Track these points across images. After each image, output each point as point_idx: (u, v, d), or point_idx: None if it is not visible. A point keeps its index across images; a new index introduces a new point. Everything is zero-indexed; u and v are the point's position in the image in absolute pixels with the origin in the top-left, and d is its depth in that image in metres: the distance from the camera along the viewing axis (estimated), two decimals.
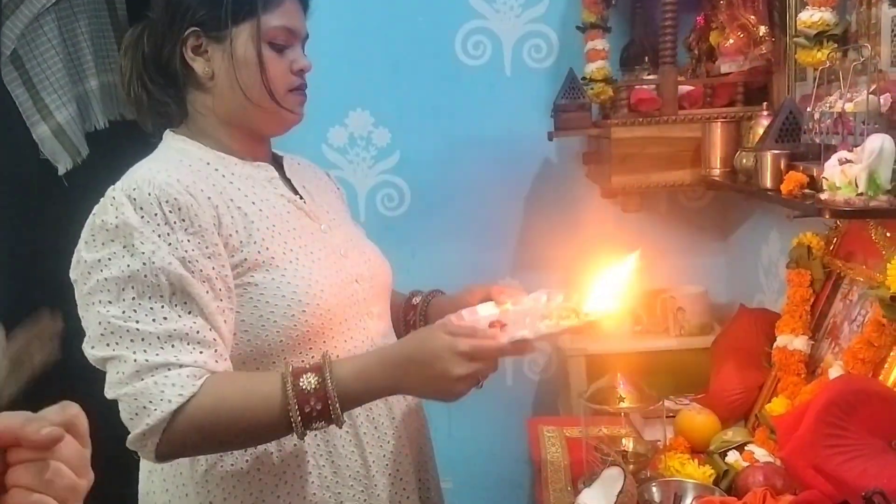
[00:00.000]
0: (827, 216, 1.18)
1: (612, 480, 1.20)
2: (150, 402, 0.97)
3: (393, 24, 2.11)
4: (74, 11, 2.06)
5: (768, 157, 1.37)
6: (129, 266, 0.99)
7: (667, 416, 1.46)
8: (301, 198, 1.21)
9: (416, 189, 2.19)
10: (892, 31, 1.17)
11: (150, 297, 0.99)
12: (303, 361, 1.10)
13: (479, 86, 2.12)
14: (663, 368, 1.84)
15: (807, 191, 1.24)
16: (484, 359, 1.02)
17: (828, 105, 1.21)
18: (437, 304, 1.37)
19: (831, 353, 1.35)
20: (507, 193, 2.17)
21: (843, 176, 1.09)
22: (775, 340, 1.44)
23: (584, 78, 1.88)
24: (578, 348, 1.88)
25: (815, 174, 1.22)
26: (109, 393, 1.00)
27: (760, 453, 1.31)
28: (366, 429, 1.17)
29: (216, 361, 1.02)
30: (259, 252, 1.08)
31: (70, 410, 0.57)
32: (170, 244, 1.01)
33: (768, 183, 1.37)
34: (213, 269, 1.03)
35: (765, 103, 1.55)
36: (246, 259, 1.07)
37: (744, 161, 1.51)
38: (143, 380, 0.97)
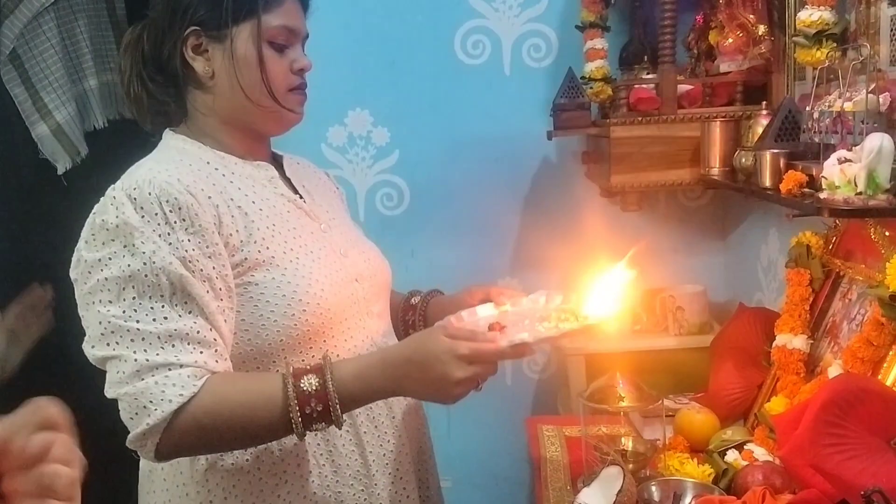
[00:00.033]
0: (826, 215, 1.18)
1: (611, 479, 1.20)
2: (151, 401, 0.97)
3: (392, 23, 2.11)
4: (73, 11, 2.06)
5: (767, 156, 1.37)
6: (129, 266, 0.99)
7: (666, 416, 1.46)
8: (301, 197, 1.21)
9: (415, 188, 2.19)
10: (891, 30, 1.17)
11: (150, 297, 0.99)
12: (303, 361, 1.10)
13: (479, 85, 2.12)
14: (662, 367, 1.84)
15: (806, 190, 1.24)
16: (483, 362, 1.03)
17: (827, 104, 1.21)
18: (435, 304, 1.38)
19: (830, 352, 1.35)
20: (507, 193, 2.18)
21: (842, 175, 1.09)
22: (774, 339, 1.44)
23: (583, 77, 1.88)
24: (578, 347, 1.88)
25: (814, 173, 1.22)
26: (110, 392, 1.00)
27: (760, 452, 1.31)
28: (366, 428, 1.17)
29: (216, 361, 1.02)
30: (259, 251, 1.08)
31: (47, 410, 0.57)
32: (170, 244, 1.01)
33: (767, 182, 1.37)
34: (214, 268, 1.03)
35: (764, 102, 1.55)
36: (246, 258, 1.07)
37: (743, 160, 1.51)
38: (143, 379, 0.97)
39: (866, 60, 1.15)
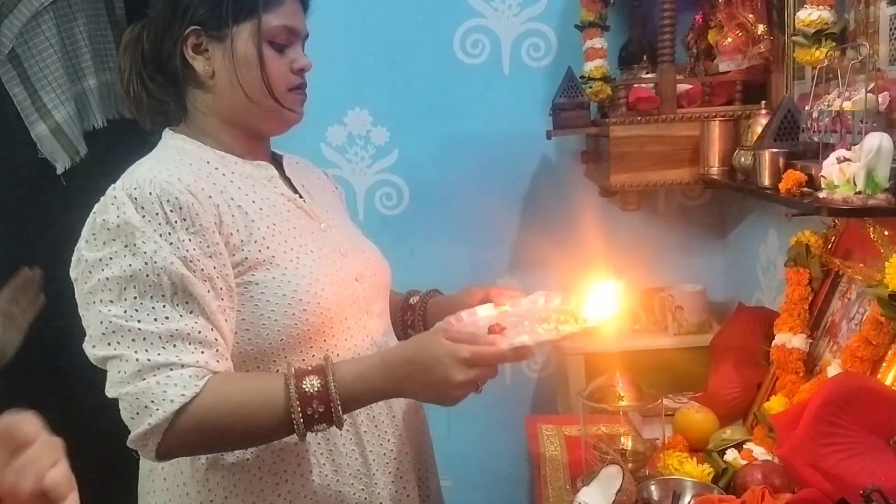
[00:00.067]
0: (825, 215, 1.18)
1: (610, 479, 1.20)
2: (153, 401, 0.97)
3: (391, 22, 2.11)
4: (73, 10, 2.06)
5: (766, 155, 1.37)
6: (130, 265, 0.99)
7: (665, 415, 1.46)
8: (300, 197, 1.21)
9: (414, 188, 2.19)
10: (891, 29, 1.17)
11: (151, 297, 0.99)
12: (303, 360, 1.10)
13: (478, 84, 2.12)
14: (662, 367, 1.84)
15: (805, 189, 1.24)
16: (484, 365, 1.03)
17: (826, 103, 1.21)
18: (434, 304, 1.38)
19: (829, 352, 1.35)
20: (506, 192, 2.18)
21: (841, 174, 1.09)
22: (774, 339, 1.44)
23: (582, 77, 1.88)
24: (577, 347, 1.88)
25: (813, 173, 1.22)
26: (110, 392, 1.00)
27: (759, 451, 1.31)
28: (366, 427, 1.17)
29: (217, 361, 1.02)
30: (260, 251, 1.08)
31: (16, 428, 0.58)
32: (171, 244, 1.01)
33: (767, 181, 1.37)
34: (215, 268, 1.03)
35: (763, 102, 1.55)
36: (247, 258, 1.07)
37: (742, 159, 1.51)
38: (144, 379, 0.97)
39: (865, 60, 1.15)
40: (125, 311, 0.99)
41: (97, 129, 2.14)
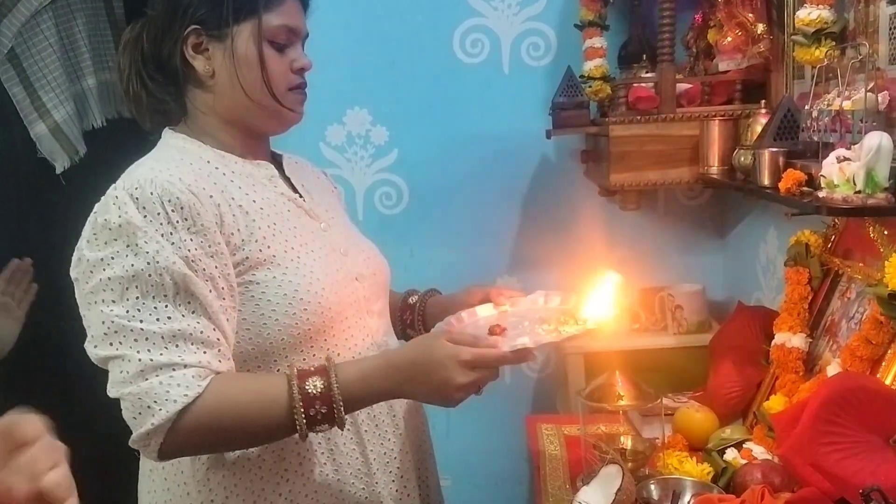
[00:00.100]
0: (825, 214, 1.18)
1: (610, 478, 1.20)
2: (155, 401, 0.97)
3: (391, 22, 2.11)
4: (72, 10, 2.06)
5: (766, 154, 1.37)
6: (133, 265, 0.99)
7: (665, 414, 1.46)
8: (300, 196, 1.21)
9: (414, 187, 2.19)
10: (890, 28, 1.17)
11: (153, 297, 0.99)
12: (304, 360, 1.10)
13: (477, 84, 2.12)
14: (661, 366, 1.84)
15: (805, 189, 1.24)
16: (485, 367, 1.04)
17: (826, 103, 1.21)
18: (433, 303, 1.38)
19: (829, 351, 1.35)
20: (505, 191, 2.18)
21: (841, 174, 1.09)
22: (773, 338, 1.44)
23: (582, 76, 1.88)
24: (577, 346, 1.88)
25: (813, 172, 1.22)
26: (112, 392, 1.00)
27: (758, 451, 1.32)
28: (367, 427, 1.17)
29: (220, 361, 1.02)
30: (260, 250, 1.08)
31: (16, 430, 0.58)
32: (173, 243, 1.00)
33: (766, 181, 1.37)
34: (216, 267, 1.03)
35: (763, 101, 1.55)
36: (247, 257, 1.07)
37: (742, 159, 1.51)
38: (147, 379, 0.97)
39: (865, 59, 1.15)
40: (127, 311, 0.99)
41: (96, 129, 2.13)
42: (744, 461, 1.30)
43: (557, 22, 2.09)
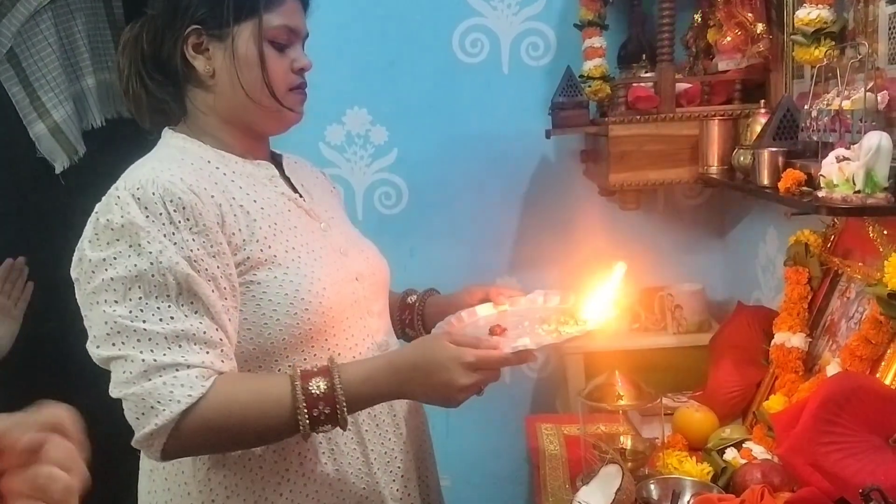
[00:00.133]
0: (824, 214, 1.18)
1: (610, 478, 1.21)
2: (159, 402, 0.97)
3: (390, 21, 2.11)
4: (71, 10, 2.06)
5: (766, 154, 1.37)
6: (136, 265, 0.99)
7: (665, 414, 1.46)
8: (300, 196, 1.21)
9: (413, 187, 2.19)
10: (890, 28, 1.17)
11: (157, 297, 0.99)
12: (305, 360, 1.10)
13: (477, 84, 2.12)
14: (661, 366, 1.84)
15: (804, 188, 1.24)
16: (488, 369, 1.04)
17: (825, 102, 1.21)
18: (432, 303, 1.38)
19: (829, 351, 1.35)
20: (505, 191, 2.18)
21: (840, 173, 1.09)
22: (773, 338, 1.44)
23: (581, 76, 1.88)
24: (576, 346, 1.88)
25: (812, 172, 1.22)
26: (115, 392, 1.00)
27: (758, 450, 1.32)
28: (368, 426, 1.17)
29: (222, 361, 1.02)
30: (262, 250, 1.08)
31: (51, 410, 0.57)
32: (175, 244, 1.00)
33: (766, 180, 1.37)
34: (218, 268, 1.03)
35: (762, 101, 1.55)
36: (249, 257, 1.07)
37: (741, 159, 1.51)
38: (150, 380, 0.97)
39: (864, 59, 1.15)
40: (130, 312, 0.99)
41: (96, 129, 2.13)
42: (743, 461, 1.30)
43: (557, 22, 2.09)
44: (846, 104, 1.14)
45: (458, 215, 2.18)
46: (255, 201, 1.12)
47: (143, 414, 0.97)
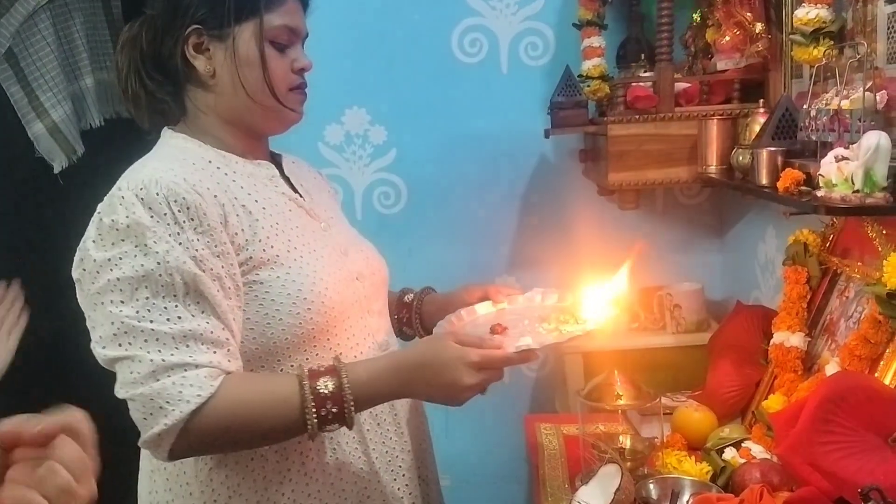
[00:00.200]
0: (823, 213, 1.18)
1: (609, 478, 1.21)
2: (168, 402, 0.97)
3: (389, 21, 2.11)
4: (69, 9, 2.06)
5: (765, 154, 1.37)
6: (143, 266, 0.99)
7: (664, 414, 1.46)
8: (301, 196, 1.21)
9: (412, 187, 2.19)
10: (888, 27, 1.18)
11: (164, 297, 0.99)
12: (307, 360, 1.10)
13: (476, 83, 2.12)
14: (660, 365, 1.84)
15: (803, 188, 1.24)
16: (492, 368, 1.05)
17: (824, 102, 1.21)
18: (430, 301, 1.39)
19: (828, 350, 1.35)
20: (504, 191, 2.18)
21: (839, 173, 1.09)
22: (772, 337, 1.44)
23: (580, 75, 1.88)
24: (575, 346, 1.88)
25: (811, 171, 1.22)
26: (121, 393, 0.99)
27: (757, 450, 1.32)
28: (369, 426, 1.17)
29: (229, 361, 1.03)
30: (264, 250, 1.08)
31: (71, 413, 0.57)
32: (181, 244, 1.00)
33: (765, 180, 1.37)
34: (223, 267, 1.03)
35: (761, 100, 1.55)
36: (251, 257, 1.07)
37: (740, 158, 1.51)
38: (159, 380, 0.97)
39: (863, 58, 1.15)
40: (137, 312, 0.98)
41: (94, 129, 2.13)
42: (742, 460, 1.30)
43: (556, 21, 2.09)
44: (845, 104, 1.14)
45: (457, 215, 2.18)
46: (256, 201, 1.12)
47: (151, 414, 0.97)
